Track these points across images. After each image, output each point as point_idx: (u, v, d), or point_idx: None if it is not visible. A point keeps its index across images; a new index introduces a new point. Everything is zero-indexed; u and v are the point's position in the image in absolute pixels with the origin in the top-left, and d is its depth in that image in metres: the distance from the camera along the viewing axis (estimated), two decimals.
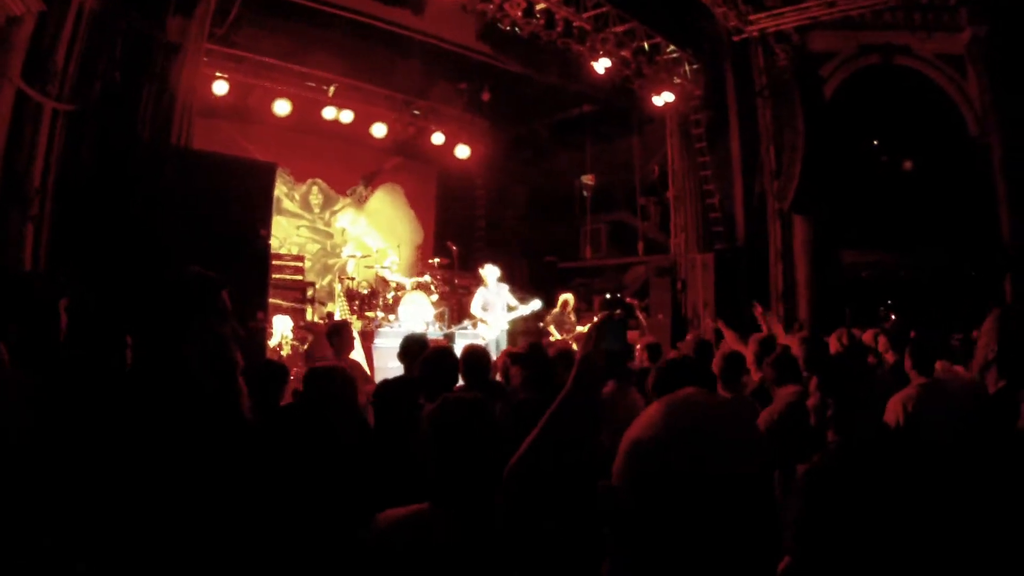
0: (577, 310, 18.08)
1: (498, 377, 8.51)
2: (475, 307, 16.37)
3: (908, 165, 21.11)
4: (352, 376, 5.84)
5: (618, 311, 3.14)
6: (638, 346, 10.45)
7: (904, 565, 3.74)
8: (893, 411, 6.68)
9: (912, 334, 9.01)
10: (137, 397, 3.38)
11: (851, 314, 16.14)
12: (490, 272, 16.51)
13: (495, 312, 16.24)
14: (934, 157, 19.72)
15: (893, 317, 17.13)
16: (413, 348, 7.80)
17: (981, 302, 15.63)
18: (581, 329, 17.36)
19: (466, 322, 17.37)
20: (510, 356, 7.62)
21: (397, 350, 10.14)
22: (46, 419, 3.58)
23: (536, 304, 17.14)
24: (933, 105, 19.28)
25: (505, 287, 16.78)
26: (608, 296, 18.67)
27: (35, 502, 3.26)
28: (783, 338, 10.10)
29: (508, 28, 17.90)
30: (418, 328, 16.40)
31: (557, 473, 2.81)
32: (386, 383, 7.67)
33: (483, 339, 15.36)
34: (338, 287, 19.35)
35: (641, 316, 18.05)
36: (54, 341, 4.46)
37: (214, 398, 3.46)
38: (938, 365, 7.91)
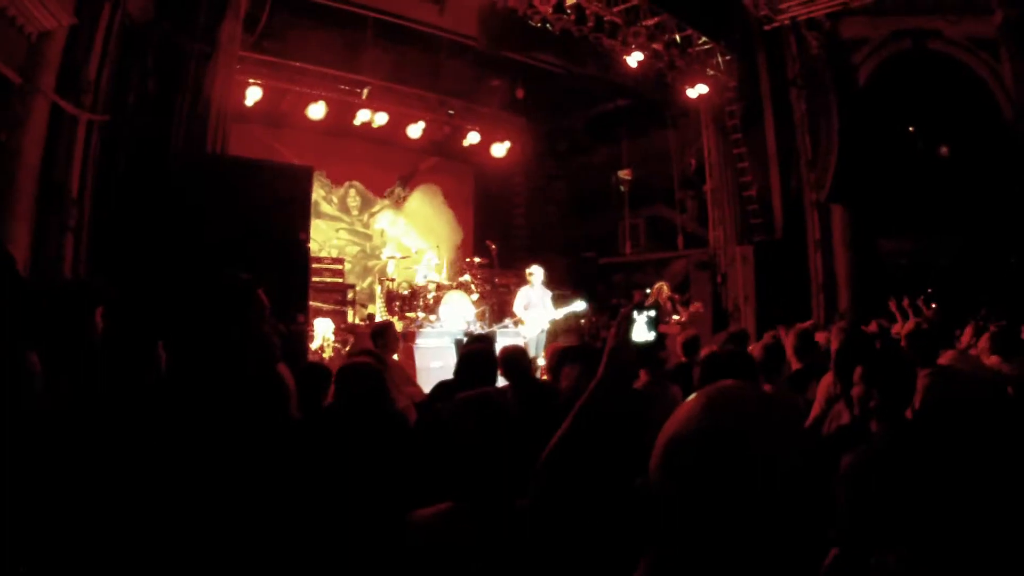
0: (671, 299, 18.01)
1: (541, 375, 8.48)
2: (517, 306, 16.41)
3: (945, 151, 20.91)
4: (380, 369, 5.86)
5: (647, 302, 3.16)
6: (679, 339, 10.42)
7: (953, 553, 3.71)
8: None
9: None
10: (176, 402, 3.40)
11: (892, 304, 16.05)
12: (537, 273, 16.53)
13: (536, 311, 16.25)
14: (970, 142, 19.53)
15: (934, 306, 16.98)
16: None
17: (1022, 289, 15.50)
18: (677, 317, 17.37)
19: (507, 320, 17.40)
20: (562, 353, 7.57)
21: (438, 349, 10.06)
22: (79, 425, 3.61)
23: (580, 304, 17.18)
24: (967, 89, 19.08)
25: (549, 293, 16.80)
26: (648, 291, 18.62)
27: (68, 507, 3.28)
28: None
29: (539, 24, 17.88)
30: (459, 327, 16.47)
31: (589, 466, 2.81)
32: (443, 384, 7.68)
33: (523, 338, 15.37)
34: (378, 288, 19.41)
35: (681, 310, 17.98)
36: (89, 348, 4.50)
37: (255, 398, 3.48)
38: (950, 354, 7.85)
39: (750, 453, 1.58)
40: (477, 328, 17.10)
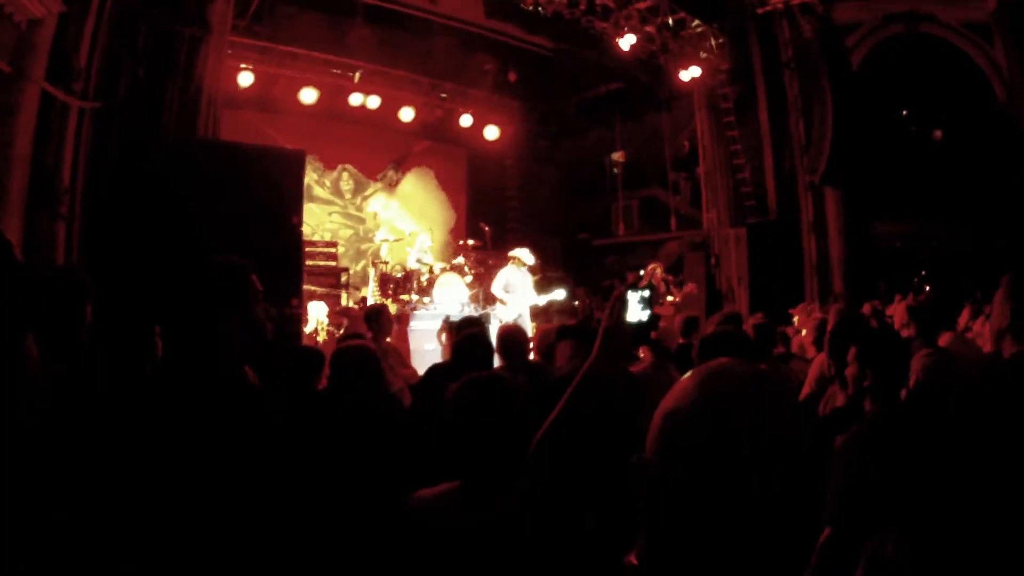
0: (665, 280, 18.06)
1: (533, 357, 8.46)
2: (496, 287, 16.30)
3: (938, 135, 20.93)
4: (375, 351, 5.87)
5: (640, 284, 3.17)
6: (677, 320, 10.43)
7: (947, 533, 3.72)
8: None
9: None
10: (164, 390, 3.40)
11: (885, 286, 16.05)
12: (524, 257, 16.46)
13: (516, 295, 16.16)
14: (964, 126, 19.55)
15: (927, 289, 16.99)
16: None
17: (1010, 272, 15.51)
18: (671, 298, 17.42)
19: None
20: (559, 331, 7.56)
21: (433, 332, 9.95)
22: (70, 414, 3.61)
23: (560, 293, 17.19)
24: (961, 74, 19.07)
25: (531, 277, 16.72)
26: (642, 272, 18.68)
27: (58, 495, 3.28)
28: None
29: (531, 7, 17.86)
30: (453, 309, 16.45)
31: (583, 447, 2.81)
32: (436, 368, 7.70)
33: (500, 320, 15.27)
34: (372, 272, 19.39)
35: (674, 291, 18.02)
36: (78, 336, 4.50)
37: (240, 384, 3.48)
38: (948, 336, 7.82)
39: (745, 428, 1.58)
40: (471, 310, 17.11)
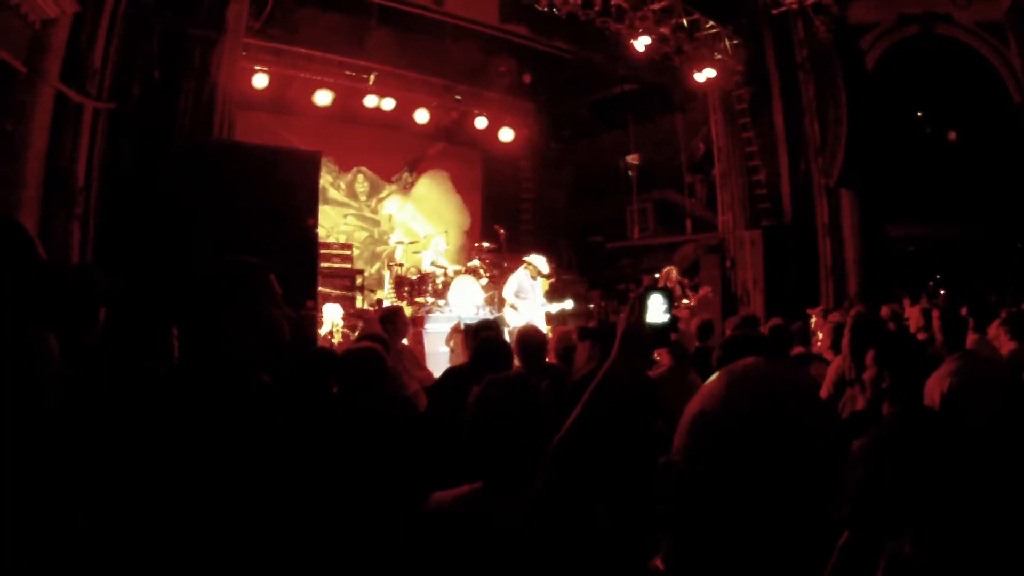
0: (680, 283, 18.00)
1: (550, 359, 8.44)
2: (507, 291, 16.14)
3: (953, 136, 20.88)
4: (382, 354, 5.87)
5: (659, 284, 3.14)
6: (693, 324, 10.38)
7: (968, 536, 3.69)
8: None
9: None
10: (170, 390, 3.39)
11: (900, 289, 16.01)
12: (540, 265, 16.34)
13: (527, 302, 16.04)
14: (979, 127, 19.50)
15: (943, 292, 16.97)
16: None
17: None
18: (686, 301, 17.38)
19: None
20: (580, 333, 7.54)
21: (447, 335, 9.90)
22: (73, 414, 3.61)
23: (568, 304, 17.14)
24: (976, 74, 19.01)
25: (542, 282, 16.63)
26: (657, 275, 18.65)
27: (56, 495, 3.27)
28: None
29: (545, 8, 17.83)
30: (468, 313, 16.40)
31: (600, 450, 2.79)
32: (452, 370, 7.71)
33: (507, 325, 15.08)
34: (387, 274, 19.38)
35: (690, 294, 17.97)
36: (87, 336, 4.50)
37: (249, 385, 3.45)
38: (971, 339, 7.78)
39: (773, 429, 1.56)
40: (486, 313, 17.07)
